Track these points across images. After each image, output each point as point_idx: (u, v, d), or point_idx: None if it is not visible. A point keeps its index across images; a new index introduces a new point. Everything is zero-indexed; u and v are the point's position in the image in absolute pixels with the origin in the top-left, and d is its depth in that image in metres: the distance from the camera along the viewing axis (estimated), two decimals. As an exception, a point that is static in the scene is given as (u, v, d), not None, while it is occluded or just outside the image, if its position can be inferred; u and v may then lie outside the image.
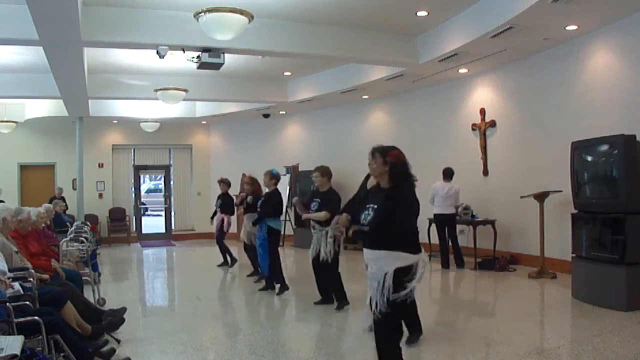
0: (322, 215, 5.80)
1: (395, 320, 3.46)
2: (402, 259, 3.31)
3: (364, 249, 3.52)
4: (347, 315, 5.66)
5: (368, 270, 3.50)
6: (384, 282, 3.30)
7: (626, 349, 4.27)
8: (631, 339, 4.53)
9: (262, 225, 7.05)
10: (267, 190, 7.31)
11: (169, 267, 10.77)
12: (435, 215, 8.62)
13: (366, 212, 3.40)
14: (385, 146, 3.50)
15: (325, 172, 6.04)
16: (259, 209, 7.22)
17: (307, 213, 6.06)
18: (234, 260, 9.37)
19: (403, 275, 3.29)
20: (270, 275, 7.11)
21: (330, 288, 6.00)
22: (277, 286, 6.94)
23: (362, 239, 3.57)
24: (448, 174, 8.62)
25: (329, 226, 5.70)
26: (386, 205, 3.31)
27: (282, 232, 7.62)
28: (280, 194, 7.26)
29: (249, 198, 7.83)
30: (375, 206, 3.37)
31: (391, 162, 3.38)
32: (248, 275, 8.29)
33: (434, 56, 8.04)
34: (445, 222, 8.60)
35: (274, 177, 7.18)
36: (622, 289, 5.42)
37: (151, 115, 13.12)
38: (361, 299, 4.75)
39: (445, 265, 8.50)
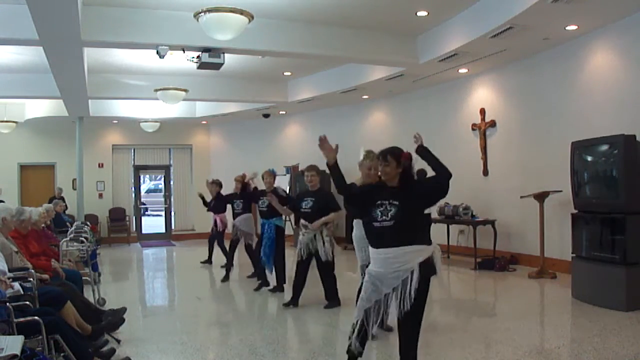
0: (332, 216, 5.90)
1: (420, 317, 3.37)
2: (423, 251, 3.32)
3: (380, 249, 3.33)
4: (347, 315, 5.65)
5: (382, 274, 3.36)
6: (411, 279, 3.24)
7: (626, 349, 4.27)
8: (631, 339, 4.53)
9: (270, 225, 7.07)
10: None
11: (169, 267, 10.77)
12: None
13: (382, 209, 3.32)
14: (393, 148, 3.51)
15: (319, 170, 6.17)
16: (261, 209, 7.26)
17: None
18: (230, 264, 9.42)
19: (426, 269, 3.29)
20: (277, 273, 7.14)
21: (327, 286, 6.05)
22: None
23: (374, 239, 3.45)
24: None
25: (325, 226, 5.76)
26: (413, 203, 3.37)
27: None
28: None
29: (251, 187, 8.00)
30: (396, 202, 3.31)
31: (404, 163, 3.45)
32: (247, 277, 8.32)
33: (434, 56, 8.04)
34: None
35: (274, 176, 7.25)
36: (622, 289, 5.43)
37: (151, 115, 13.12)
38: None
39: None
